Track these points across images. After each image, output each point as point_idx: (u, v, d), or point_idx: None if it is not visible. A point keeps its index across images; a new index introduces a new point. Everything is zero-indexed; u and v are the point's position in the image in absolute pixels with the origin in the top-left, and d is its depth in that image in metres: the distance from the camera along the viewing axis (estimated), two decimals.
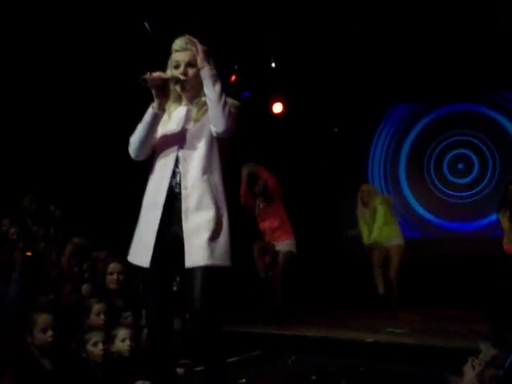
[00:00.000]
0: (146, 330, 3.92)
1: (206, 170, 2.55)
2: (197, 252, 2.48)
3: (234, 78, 7.20)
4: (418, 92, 7.95)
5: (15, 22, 5.82)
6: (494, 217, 7.04)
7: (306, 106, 8.08)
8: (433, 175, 8.17)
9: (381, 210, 6.31)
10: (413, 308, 6.58)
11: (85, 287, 4.40)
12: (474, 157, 7.94)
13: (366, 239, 6.45)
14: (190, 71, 2.59)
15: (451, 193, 8.03)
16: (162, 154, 2.62)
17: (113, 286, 4.09)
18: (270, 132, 7.89)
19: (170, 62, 2.65)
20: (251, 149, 6.32)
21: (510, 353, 2.68)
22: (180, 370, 3.69)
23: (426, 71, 7.42)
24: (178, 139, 2.60)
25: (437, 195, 8.10)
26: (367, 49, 7.16)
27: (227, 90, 2.57)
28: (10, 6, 5.65)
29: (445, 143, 8.09)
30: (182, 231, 2.53)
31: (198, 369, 3.99)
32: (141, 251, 2.59)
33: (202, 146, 2.56)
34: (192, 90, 2.63)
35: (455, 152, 8.04)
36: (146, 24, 6.42)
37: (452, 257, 7.49)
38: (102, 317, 3.66)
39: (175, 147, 2.60)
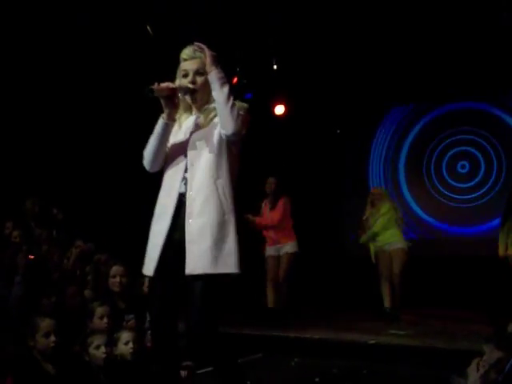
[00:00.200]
0: (149, 333, 3.93)
1: (213, 173, 2.54)
2: (197, 259, 2.46)
3: (235, 80, 7.20)
4: (418, 93, 7.97)
5: (17, 26, 5.84)
6: (494, 222, 7.09)
7: (307, 108, 8.09)
8: (433, 175, 8.20)
9: (382, 220, 6.26)
10: (415, 309, 6.57)
11: (87, 290, 4.41)
12: (478, 154, 7.95)
13: (363, 238, 6.45)
14: (199, 79, 2.59)
15: (451, 195, 8.04)
16: (172, 164, 2.63)
17: (116, 289, 4.09)
18: (272, 134, 7.89)
19: (178, 72, 2.65)
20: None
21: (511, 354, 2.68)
22: (183, 373, 3.69)
23: (425, 72, 7.42)
24: (186, 147, 2.60)
25: (435, 196, 8.13)
26: (368, 50, 7.17)
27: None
28: (16, 9, 5.67)
29: (445, 143, 8.12)
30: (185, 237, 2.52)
31: (201, 371, 4.00)
32: (147, 261, 2.61)
33: (208, 151, 2.55)
34: (202, 99, 2.63)
35: (456, 150, 8.06)
36: (148, 27, 6.44)
37: (454, 258, 7.49)
38: (105, 320, 3.66)
39: (183, 155, 2.60)
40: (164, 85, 2.56)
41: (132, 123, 6.70)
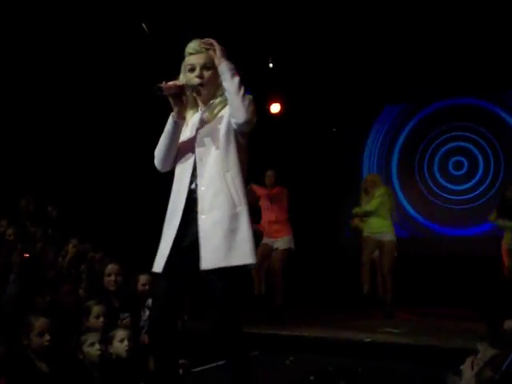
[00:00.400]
0: (144, 331, 3.93)
1: (222, 167, 2.52)
2: (212, 253, 2.44)
3: None
4: (411, 91, 8.00)
5: (17, 26, 5.83)
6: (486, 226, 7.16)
7: (303, 107, 8.09)
8: (425, 173, 8.25)
9: (375, 201, 6.27)
10: (410, 307, 6.59)
11: (82, 289, 4.40)
12: (476, 152, 7.99)
13: (354, 220, 6.50)
14: (206, 73, 2.58)
15: (444, 194, 8.09)
16: (181, 161, 2.61)
17: (111, 288, 4.09)
18: (267, 132, 7.89)
19: (183, 66, 2.63)
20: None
21: (508, 352, 2.68)
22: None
23: (419, 70, 7.45)
24: (194, 143, 2.59)
25: (427, 195, 8.19)
26: (362, 50, 7.19)
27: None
28: (16, 9, 5.65)
29: (437, 141, 8.18)
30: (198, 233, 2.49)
31: (196, 369, 4.00)
32: (158, 257, 2.57)
33: (216, 145, 2.54)
34: (208, 94, 2.62)
35: (449, 148, 8.11)
36: (143, 25, 6.43)
37: (449, 257, 7.51)
38: (101, 319, 3.65)
39: (192, 152, 2.58)
40: (171, 83, 2.53)
41: (127, 123, 6.70)
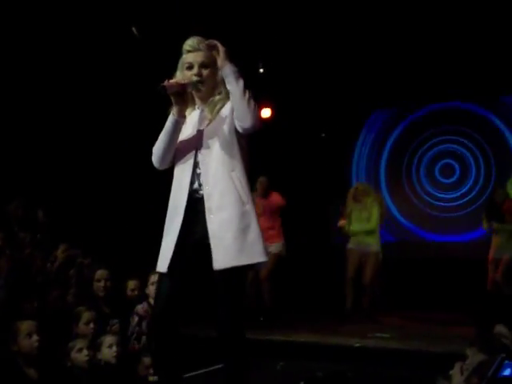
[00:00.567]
0: (133, 338, 3.91)
1: (227, 166, 2.50)
2: (224, 253, 2.43)
3: None
4: (399, 96, 8.06)
5: (17, 25, 5.80)
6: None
7: (293, 112, 8.11)
8: (413, 176, 8.33)
9: (375, 213, 6.27)
10: (400, 312, 6.60)
11: (70, 294, 4.37)
12: (469, 155, 8.04)
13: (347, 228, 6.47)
14: (205, 72, 2.55)
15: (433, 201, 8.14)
16: (181, 161, 2.58)
17: (100, 293, 4.07)
18: (258, 137, 7.89)
19: (180, 64, 2.60)
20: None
21: (496, 358, 2.70)
22: None
23: (407, 75, 7.49)
24: (195, 142, 2.56)
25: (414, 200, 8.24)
26: (352, 55, 7.23)
27: None
28: (16, 9, 5.63)
29: (427, 144, 8.23)
30: (206, 233, 2.47)
31: (188, 375, 3.98)
32: (161, 257, 2.55)
33: (220, 144, 2.52)
34: (207, 92, 2.59)
35: (437, 151, 8.16)
36: (133, 29, 6.42)
37: (438, 261, 7.55)
38: (91, 325, 3.62)
39: (193, 151, 2.56)
40: (173, 81, 2.51)
41: (119, 127, 6.67)
